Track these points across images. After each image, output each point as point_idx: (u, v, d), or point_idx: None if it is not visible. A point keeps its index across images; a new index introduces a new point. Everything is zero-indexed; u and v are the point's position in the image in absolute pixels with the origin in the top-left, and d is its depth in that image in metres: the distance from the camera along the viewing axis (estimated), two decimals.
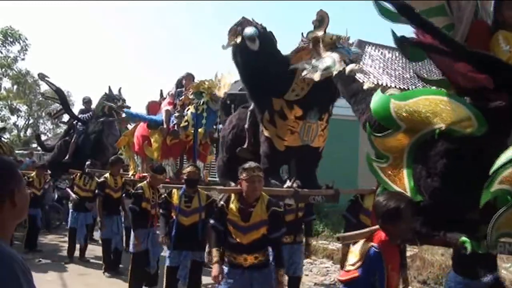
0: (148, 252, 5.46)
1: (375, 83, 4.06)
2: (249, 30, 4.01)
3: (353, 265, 2.37)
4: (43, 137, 31.01)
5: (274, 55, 4.18)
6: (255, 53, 4.07)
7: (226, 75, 5.89)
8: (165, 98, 7.45)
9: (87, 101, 9.67)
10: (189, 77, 7.11)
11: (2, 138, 10.52)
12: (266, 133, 4.27)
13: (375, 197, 4.31)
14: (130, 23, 62.35)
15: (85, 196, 7.45)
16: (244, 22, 4.13)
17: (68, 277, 6.37)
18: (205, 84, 6.25)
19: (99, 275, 6.63)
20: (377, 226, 2.40)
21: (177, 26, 62.99)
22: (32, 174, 8.34)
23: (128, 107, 8.52)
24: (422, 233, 2.48)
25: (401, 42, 2.41)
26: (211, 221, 3.66)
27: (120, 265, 6.75)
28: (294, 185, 4.03)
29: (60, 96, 9.31)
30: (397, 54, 16.33)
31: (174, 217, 4.62)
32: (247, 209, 3.52)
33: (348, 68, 3.56)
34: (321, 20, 4.11)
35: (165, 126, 6.92)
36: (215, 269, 3.38)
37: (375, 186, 3.96)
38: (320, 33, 4.06)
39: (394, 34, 2.49)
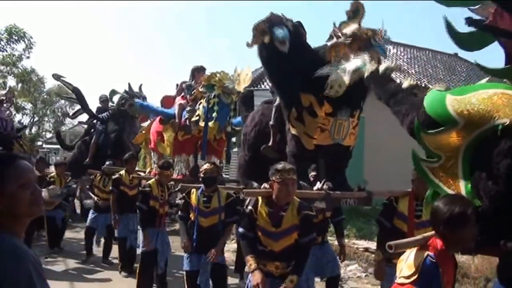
0: (156, 252, 5.25)
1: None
2: (279, 33, 3.71)
3: (407, 277, 2.10)
4: (47, 135, 31.10)
5: (304, 52, 3.89)
6: (285, 53, 3.79)
7: (246, 69, 5.66)
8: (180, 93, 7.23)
9: (104, 100, 9.40)
10: (201, 69, 6.87)
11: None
12: (293, 131, 3.97)
13: (409, 200, 4.07)
14: (132, 22, 62.39)
15: (105, 198, 7.15)
16: (272, 18, 3.83)
17: (76, 274, 6.28)
18: (216, 77, 5.99)
19: (107, 273, 6.55)
20: (431, 233, 2.16)
21: (177, 26, 62.81)
22: (53, 174, 8.13)
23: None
24: (479, 242, 2.19)
25: (469, 24, 2.17)
26: (240, 229, 3.39)
27: (135, 264, 6.46)
28: (325, 187, 3.75)
29: (78, 96, 8.98)
30: (402, 49, 15.99)
31: (193, 218, 4.39)
32: (277, 213, 3.24)
33: (382, 67, 3.31)
34: (356, 11, 3.83)
35: (177, 120, 6.71)
36: (256, 277, 3.09)
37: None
38: (354, 26, 3.79)
39: (447, 22, 2.31)
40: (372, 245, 7.58)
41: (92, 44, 60.14)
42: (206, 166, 4.29)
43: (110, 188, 6.59)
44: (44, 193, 5.50)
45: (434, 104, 2.38)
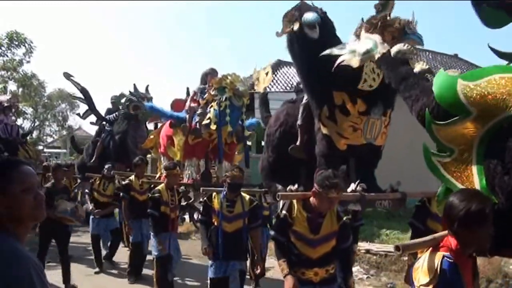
0: (170, 257, 5.11)
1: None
2: (309, 16, 3.54)
3: (426, 285, 1.84)
4: (48, 139, 30.83)
5: (335, 43, 3.74)
6: (315, 41, 3.58)
7: (266, 68, 5.49)
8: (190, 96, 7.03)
9: (114, 100, 9.23)
10: (213, 73, 6.71)
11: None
12: (324, 130, 3.77)
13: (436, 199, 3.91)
14: (132, 23, 62.29)
15: (104, 202, 7.01)
16: (302, 6, 3.67)
17: (76, 279, 6.18)
18: (227, 79, 5.82)
19: (107, 277, 6.50)
20: (442, 233, 1.96)
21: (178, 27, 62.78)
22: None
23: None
24: (495, 243, 1.97)
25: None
26: (272, 232, 3.23)
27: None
28: (359, 188, 3.58)
29: (86, 96, 8.75)
30: None
31: (215, 223, 4.20)
32: (316, 219, 3.07)
33: (394, 49, 3.08)
34: (385, 4, 3.68)
35: (187, 124, 6.54)
36: (288, 282, 2.93)
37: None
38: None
39: None
40: (373, 246, 7.43)
41: (92, 45, 60.05)
42: (234, 171, 4.12)
43: (121, 194, 6.38)
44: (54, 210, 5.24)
45: (444, 91, 2.14)
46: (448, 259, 1.82)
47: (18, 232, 1.42)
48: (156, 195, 5.16)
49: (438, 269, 1.80)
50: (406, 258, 6.83)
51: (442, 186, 2.31)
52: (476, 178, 2.05)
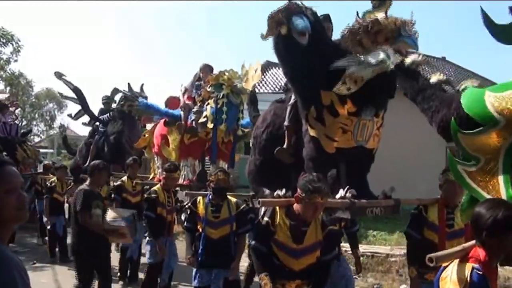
0: (162, 263, 4.92)
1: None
2: (299, 23, 3.23)
3: None
4: (36, 139, 30.62)
5: (324, 45, 3.45)
6: (304, 47, 3.33)
7: (255, 65, 5.24)
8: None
9: (106, 100, 8.99)
10: (206, 68, 6.48)
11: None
12: (312, 133, 3.50)
13: (439, 208, 3.65)
14: (127, 23, 62.23)
15: None
16: (291, 7, 3.35)
17: (63, 280, 6.06)
18: (224, 75, 5.58)
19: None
20: (471, 243, 1.93)
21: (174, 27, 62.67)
22: (53, 179, 7.74)
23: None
24: None
25: None
26: (252, 242, 2.98)
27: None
28: (348, 194, 3.31)
29: (79, 96, 8.51)
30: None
31: (200, 230, 3.96)
32: (299, 227, 2.83)
33: (408, 60, 2.97)
34: (382, 2, 3.44)
35: (182, 122, 6.30)
36: None
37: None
38: (380, 14, 3.38)
39: (484, 14, 2.12)
40: (360, 247, 7.31)
41: (82, 45, 59.93)
42: (219, 175, 3.88)
43: (112, 196, 6.16)
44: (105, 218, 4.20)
45: (472, 102, 2.21)
46: (477, 271, 1.81)
47: (0, 233, 1.41)
48: (152, 195, 4.92)
49: (468, 282, 1.80)
50: (393, 260, 6.76)
51: (466, 195, 2.34)
52: (502, 188, 2.09)
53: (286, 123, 3.89)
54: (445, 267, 1.92)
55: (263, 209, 3.16)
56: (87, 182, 4.54)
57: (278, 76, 14.37)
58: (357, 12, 3.51)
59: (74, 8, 55.12)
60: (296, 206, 2.87)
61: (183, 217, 7.80)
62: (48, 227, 7.57)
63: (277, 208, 2.97)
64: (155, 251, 4.92)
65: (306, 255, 2.87)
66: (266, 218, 2.96)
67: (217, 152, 6.11)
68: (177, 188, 5.87)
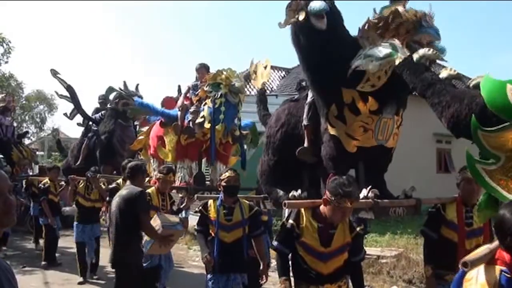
0: (159, 268, 4.68)
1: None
2: (316, 5, 3.14)
3: None
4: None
5: (344, 36, 3.38)
6: (322, 33, 3.19)
7: (264, 62, 5.11)
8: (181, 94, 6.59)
9: (102, 100, 8.71)
10: (202, 69, 6.31)
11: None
12: (332, 131, 3.39)
13: (457, 206, 3.59)
14: (121, 24, 61.46)
15: (89, 207, 6.54)
16: None
17: (53, 284, 5.97)
18: (222, 74, 5.40)
19: (90, 286, 6.24)
20: (496, 244, 1.84)
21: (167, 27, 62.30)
22: (46, 180, 7.44)
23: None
24: None
25: None
26: (275, 243, 2.85)
27: None
28: (371, 194, 3.22)
29: (72, 94, 8.17)
30: None
31: (213, 234, 3.80)
32: (327, 230, 2.70)
33: (417, 54, 2.89)
34: None
35: (179, 122, 6.12)
36: None
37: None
38: (400, 9, 3.31)
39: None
40: None
41: (73, 47, 58.63)
42: (228, 173, 3.75)
43: (107, 199, 5.88)
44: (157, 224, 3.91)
45: (495, 96, 2.12)
46: (506, 274, 1.74)
47: None
48: (146, 198, 4.74)
49: (497, 285, 1.73)
50: (384, 261, 6.77)
51: (483, 195, 2.22)
52: None
53: (305, 122, 3.77)
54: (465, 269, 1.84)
55: (287, 211, 3.02)
56: (130, 183, 4.07)
57: (269, 78, 14.26)
58: (374, 9, 3.45)
59: (65, 9, 53.90)
60: (323, 208, 2.75)
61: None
62: (54, 226, 7.30)
63: (302, 210, 2.84)
64: (148, 255, 4.73)
65: (334, 258, 2.76)
66: (291, 221, 2.83)
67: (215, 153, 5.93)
68: (173, 191, 5.68)
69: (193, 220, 10.33)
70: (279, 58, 41.71)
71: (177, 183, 6.05)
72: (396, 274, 6.35)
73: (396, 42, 3.08)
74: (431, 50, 3.00)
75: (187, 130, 5.91)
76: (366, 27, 3.28)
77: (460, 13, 50.27)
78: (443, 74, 3.23)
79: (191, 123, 5.90)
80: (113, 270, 5.89)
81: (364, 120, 3.33)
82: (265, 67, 5.14)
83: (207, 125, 5.64)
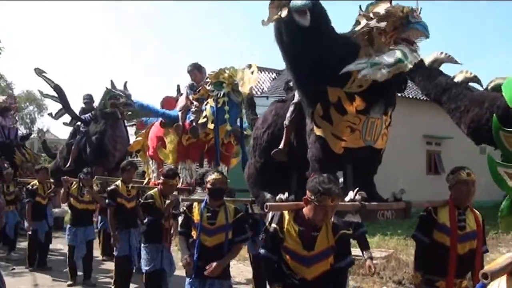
0: (162, 272, 4.63)
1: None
2: (298, 1, 3.08)
3: None
4: None
5: (329, 33, 3.23)
6: (306, 30, 3.05)
7: (251, 67, 4.97)
8: (182, 94, 6.41)
9: (87, 100, 8.51)
10: (194, 70, 6.15)
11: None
12: (318, 132, 3.24)
13: (450, 209, 3.44)
14: (117, 25, 61.11)
15: (82, 208, 6.39)
16: None
17: (42, 286, 5.92)
18: (225, 73, 5.26)
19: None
20: None
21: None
22: (34, 182, 7.22)
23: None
24: None
25: None
26: (262, 250, 2.71)
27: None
28: (358, 197, 3.06)
29: (59, 94, 8.00)
30: None
31: (195, 236, 3.64)
32: (309, 233, 2.56)
33: (430, 58, 2.77)
34: None
35: (180, 122, 5.93)
36: None
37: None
38: (384, 5, 3.18)
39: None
40: None
41: (63, 46, 58.32)
42: (214, 175, 3.58)
43: (107, 201, 5.76)
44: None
45: None
46: None
47: None
48: (149, 200, 4.63)
49: None
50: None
51: (506, 200, 2.24)
52: None
53: (286, 122, 3.65)
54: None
55: (270, 215, 2.87)
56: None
57: (258, 80, 14.13)
58: (360, 6, 3.32)
59: (65, 9, 53.56)
60: (305, 210, 2.62)
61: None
62: (29, 232, 7.07)
63: (285, 213, 2.71)
64: (150, 257, 4.61)
65: (318, 262, 2.61)
66: (274, 225, 2.71)
67: (215, 154, 5.76)
68: (175, 193, 5.50)
69: None
70: (269, 60, 41.75)
71: (179, 185, 5.88)
72: (386, 275, 6.28)
73: (405, 47, 2.94)
74: (443, 53, 2.88)
75: (192, 131, 5.74)
76: (363, 29, 3.13)
77: (458, 12, 50.44)
78: (459, 77, 3.07)
79: (194, 123, 5.72)
80: (104, 275, 5.82)
81: (351, 120, 3.17)
82: (252, 72, 4.98)
83: (210, 125, 5.48)
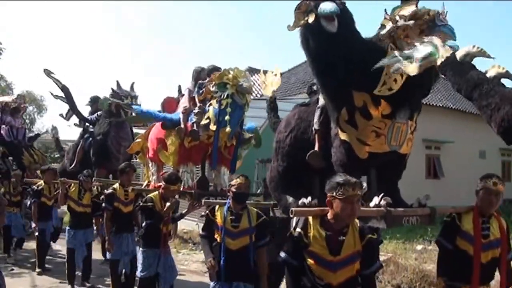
0: (157, 277, 4.50)
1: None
2: (327, 7, 3.03)
3: None
4: None
5: (355, 38, 3.22)
6: (333, 35, 3.10)
7: (275, 70, 4.91)
8: (183, 95, 6.27)
9: (93, 101, 8.39)
10: (201, 72, 6.00)
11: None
12: (343, 136, 3.29)
13: (474, 216, 3.39)
14: (117, 25, 60.88)
15: (80, 212, 6.26)
16: None
17: (41, 287, 5.89)
18: (229, 74, 5.18)
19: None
20: None
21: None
22: (40, 182, 7.12)
23: (138, 105, 6.98)
24: None
25: None
26: (282, 255, 2.70)
27: None
28: (383, 202, 3.06)
29: (66, 95, 7.88)
30: None
31: (219, 240, 3.65)
32: (336, 237, 2.56)
33: (462, 52, 2.70)
34: None
35: (182, 125, 5.81)
36: None
37: None
38: (411, 8, 3.14)
39: None
40: None
41: (72, 47, 58.06)
42: (240, 179, 3.62)
43: (103, 205, 5.62)
44: None
45: None
46: None
47: None
48: (149, 204, 4.52)
49: None
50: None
51: None
52: None
53: (315, 126, 3.68)
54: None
55: (295, 220, 2.82)
56: None
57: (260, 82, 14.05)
58: (385, 9, 3.31)
59: (65, 9, 53.25)
60: (330, 214, 2.61)
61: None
62: (36, 234, 6.95)
63: (310, 218, 2.71)
64: (147, 263, 4.53)
65: (344, 267, 2.60)
66: (298, 229, 2.69)
67: (218, 157, 5.65)
68: (176, 196, 5.39)
69: (185, 225, 10.08)
70: (270, 60, 41.77)
71: (180, 188, 5.75)
72: (384, 279, 6.25)
73: (436, 40, 2.85)
74: (476, 46, 2.80)
75: (192, 133, 5.61)
76: (389, 31, 3.08)
77: (471, 13, 50.15)
78: (491, 72, 3.02)
79: (195, 125, 5.59)
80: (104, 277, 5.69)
81: (376, 125, 3.20)
82: (275, 75, 4.91)
83: (212, 127, 5.36)
